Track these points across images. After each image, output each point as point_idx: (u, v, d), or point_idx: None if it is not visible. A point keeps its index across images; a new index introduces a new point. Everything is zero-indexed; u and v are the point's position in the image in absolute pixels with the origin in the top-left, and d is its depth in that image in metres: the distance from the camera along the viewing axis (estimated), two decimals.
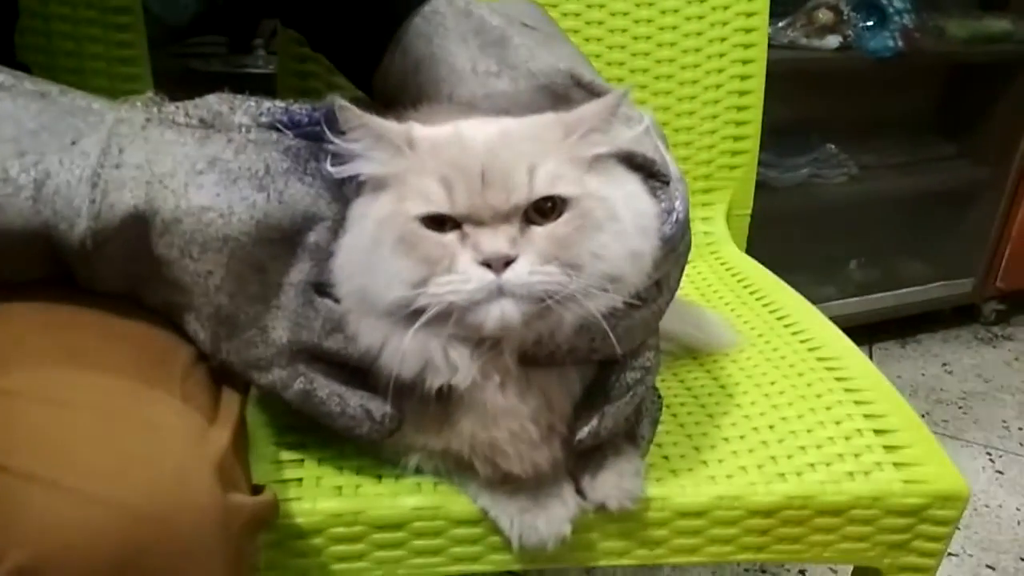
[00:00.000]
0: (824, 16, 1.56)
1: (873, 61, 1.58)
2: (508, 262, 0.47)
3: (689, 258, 0.58)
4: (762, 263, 0.96)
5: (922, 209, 1.90)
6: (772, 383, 0.72)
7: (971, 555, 1.29)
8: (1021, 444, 1.57)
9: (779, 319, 0.83)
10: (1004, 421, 1.63)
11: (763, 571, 1.24)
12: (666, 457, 0.63)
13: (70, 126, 0.50)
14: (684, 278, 0.58)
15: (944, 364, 1.83)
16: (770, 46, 1.02)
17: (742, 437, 0.66)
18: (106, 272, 0.51)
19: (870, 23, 1.59)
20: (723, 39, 0.98)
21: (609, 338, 0.51)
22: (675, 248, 0.54)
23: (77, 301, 0.52)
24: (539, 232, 0.48)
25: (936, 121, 1.91)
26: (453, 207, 0.48)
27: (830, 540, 0.63)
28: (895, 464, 0.64)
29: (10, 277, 0.51)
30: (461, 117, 0.54)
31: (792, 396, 0.70)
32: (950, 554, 1.27)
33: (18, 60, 0.73)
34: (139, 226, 0.49)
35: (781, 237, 1.59)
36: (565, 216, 0.49)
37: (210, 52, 1.24)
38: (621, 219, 0.50)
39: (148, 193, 0.49)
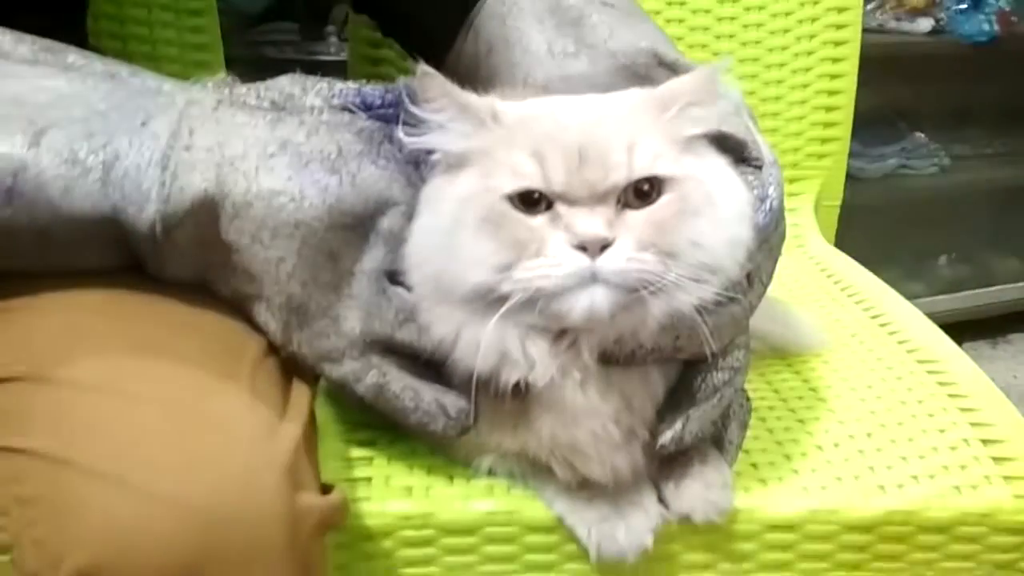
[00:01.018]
0: None
1: (967, 46, 1.53)
2: (604, 247, 0.44)
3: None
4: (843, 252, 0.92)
5: (1016, 202, 1.83)
6: (868, 387, 0.68)
7: None
8: None
9: (873, 318, 0.78)
10: None
11: None
12: (755, 465, 0.59)
13: (140, 107, 0.49)
14: None
15: None
16: None
17: (836, 445, 0.61)
18: (176, 259, 0.49)
19: (964, 6, 1.55)
20: (814, 19, 0.94)
21: (696, 336, 0.48)
22: (768, 239, 0.51)
23: (145, 290, 0.51)
24: (636, 216, 0.45)
25: None
26: (547, 183, 0.45)
27: (933, 559, 0.58)
28: (1005, 477, 0.59)
29: (78, 265, 0.50)
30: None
31: (891, 401, 0.66)
32: None
33: (91, 44, 0.73)
34: (209, 210, 0.48)
35: (867, 230, 1.54)
36: (664, 199, 0.46)
37: (282, 39, 1.25)
38: (719, 204, 0.47)
39: (219, 176, 0.48)
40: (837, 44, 0.94)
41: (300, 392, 0.52)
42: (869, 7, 1.48)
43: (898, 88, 1.61)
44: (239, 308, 0.52)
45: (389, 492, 0.55)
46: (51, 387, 0.46)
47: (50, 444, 0.44)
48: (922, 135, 1.67)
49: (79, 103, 0.48)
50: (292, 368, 0.53)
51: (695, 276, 0.46)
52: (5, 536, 0.47)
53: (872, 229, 1.60)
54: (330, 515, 0.48)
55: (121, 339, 0.48)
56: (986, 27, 1.52)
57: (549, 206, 0.45)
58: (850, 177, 1.51)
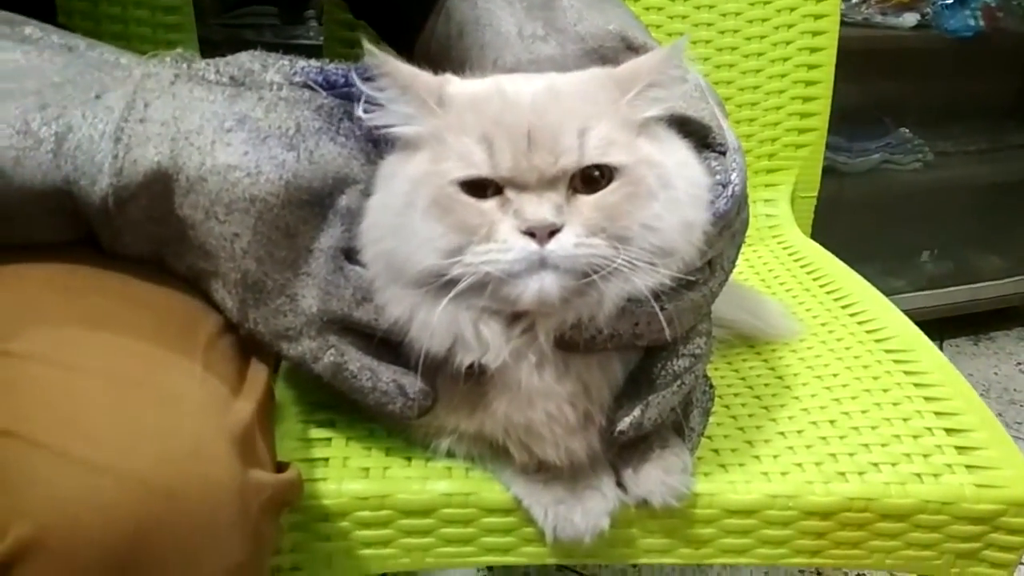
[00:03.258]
0: None
1: (952, 41, 1.52)
2: (552, 232, 0.44)
3: (749, 240, 0.54)
4: (829, 252, 0.91)
5: (1000, 199, 1.82)
6: (834, 375, 0.68)
7: None
8: None
9: (844, 307, 0.78)
10: None
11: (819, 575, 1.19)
12: (716, 451, 0.59)
13: (95, 80, 0.48)
14: (743, 261, 0.55)
15: (1019, 363, 1.75)
16: (843, 23, 0.97)
17: (800, 432, 0.61)
18: (129, 234, 0.49)
19: (949, 1, 1.53)
20: (792, 9, 0.93)
21: (656, 321, 0.47)
22: (730, 225, 0.50)
23: (98, 265, 0.50)
24: (586, 201, 0.45)
25: (1017, 106, 1.82)
26: (495, 170, 0.45)
27: (893, 546, 0.58)
28: (967, 467, 0.59)
29: (30, 238, 0.49)
30: None
31: (856, 390, 0.65)
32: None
33: (60, 22, 0.72)
34: (163, 184, 0.47)
35: (850, 225, 1.53)
36: (614, 184, 0.45)
37: (262, 23, 1.23)
38: (674, 187, 0.46)
39: (173, 150, 0.47)
40: (815, 35, 0.93)
41: (257, 370, 0.52)
42: (854, 1, 1.47)
43: (883, 83, 1.60)
44: (196, 285, 0.51)
45: (346, 473, 0.55)
46: None
47: None
48: (906, 131, 1.66)
49: (34, 75, 0.48)
50: (251, 347, 0.52)
51: (648, 260, 0.45)
52: None
53: (856, 223, 1.59)
54: (283, 492, 0.48)
55: (71, 312, 0.48)
56: (972, 22, 1.52)
57: (499, 191, 0.45)
58: (834, 171, 1.52)
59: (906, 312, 0.77)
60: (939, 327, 1.76)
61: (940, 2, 1.52)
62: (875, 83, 1.57)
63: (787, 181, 0.98)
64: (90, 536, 0.40)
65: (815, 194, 1.00)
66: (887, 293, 0.80)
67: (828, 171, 1.02)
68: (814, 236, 1.00)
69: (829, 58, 0.94)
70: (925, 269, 1.80)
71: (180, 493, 0.42)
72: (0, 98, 0.46)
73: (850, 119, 1.47)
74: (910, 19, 1.49)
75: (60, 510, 0.40)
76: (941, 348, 1.75)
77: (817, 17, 0.93)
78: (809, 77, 0.95)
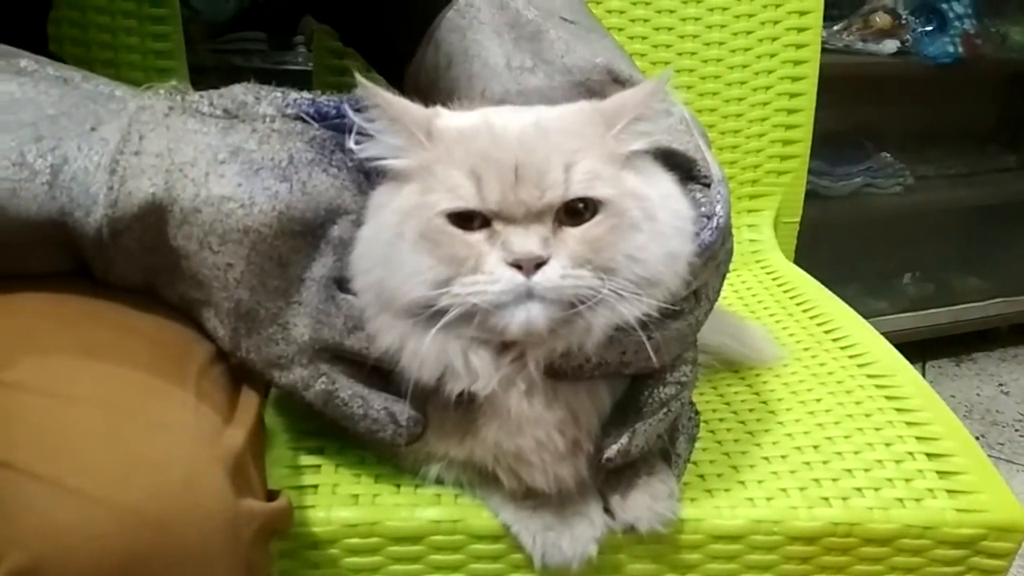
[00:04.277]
0: (881, 20, 1.53)
1: (932, 67, 1.55)
2: (539, 264, 0.45)
3: (733, 265, 0.55)
4: (812, 274, 0.93)
5: (980, 222, 1.86)
6: (818, 400, 0.69)
7: None
8: None
9: (827, 332, 0.79)
10: None
11: None
12: (702, 476, 0.60)
13: (91, 112, 0.49)
14: (727, 287, 0.55)
15: (1000, 384, 1.77)
16: (824, 50, 0.99)
17: (784, 457, 0.62)
18: (123, 264, 0.49)
19: (929, 28, 1.57)
20: (774, 39, 0.95)
21: (643, 350, 0.48)
22: (715, 256, 0.51)
23: (92, 295, 0.50)
24: (572, 233, 0.46)
25: (997, 131, 1.87)
26: (483, 203, 0.45)
27: (877, 571, 0.59)
28: (948, 491, 0.60)
29: (24, 268, 0.50)
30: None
31: (839, 415, 0.66)
32: None
33: (50, 51, 0.72)
34: (157, 215, 0.48)
35: (832, 248, 1.56)
36: (599, 216, 0.46)
37: (251, 48, 1.25)
38: (658, 219, 0.47)
39: (167, 181, 0.48)
40: (796, 64, 0.95)
41: (248, 398, 0.52)
42: (835, 28, 1.50)
43: (865, 108, 1.64)
44: (188, 314, 0.52)
45: (336, 500, 0.55)
46: None
47: None
48: (887, 155, 1.68)
49: (29, 107, 0.48)
50: (242, 375, 0.53)
51: (634, 290, 0.46)
52: None
53: (838, 247, 1.61)
54: (274, 520, 0.48)
55: (64, 341, 0.48)
56: (951, 49, 1.55)
57: (486, 223, 0.46)
58: (816, 196, 1.54)
59: (888, 334, 0.78)
60: (921, 349, 1.78)
61: (919, 29, 1.54)
62: (856, 109, 1.60)
63: (770, 207, 0.99)
64: (83, 566, 0.40)
65: (798, 219, 1.02)
66: (870, 315, 0.82)
67: (811, 195, 1.04)
68: (797, 259, 1.01)
69: (811, 86, 0.96)
70: (907, 291, 1.83)
71: (173, 523, 0.42)
72: None
73: (832, 144, 1.49)
74: (890, 46, 1.52)
75: (54, 540, 0.40)
76: (924, 370, 1.78)
77: (799, 47, 0.95)
78: (791, 105, 0.97)
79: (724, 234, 0.52)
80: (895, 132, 1.70)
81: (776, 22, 0.94)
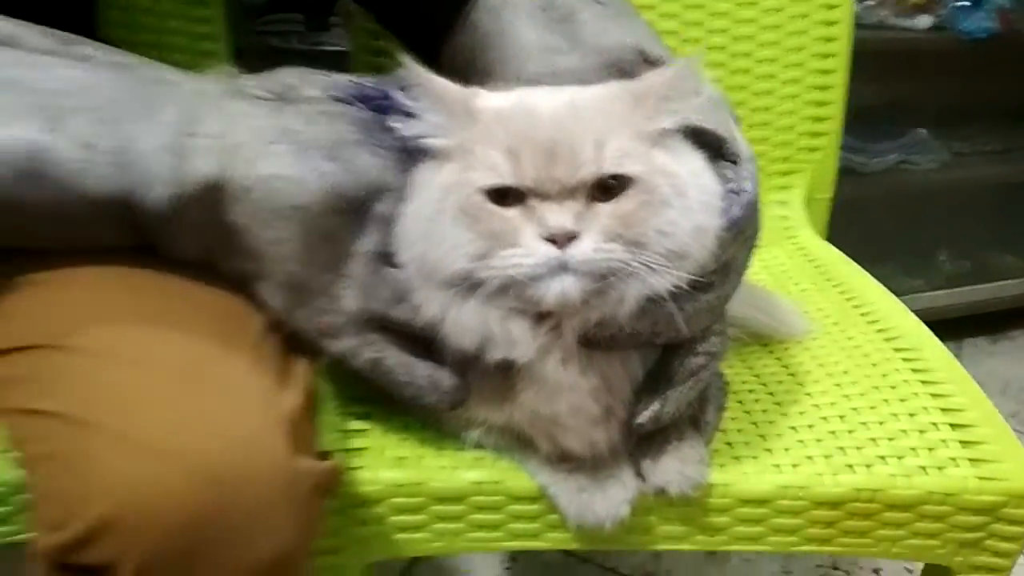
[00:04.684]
0: None
1: (967, 42, 1.53)
2: (572, 238, 0.47)
3: (763, 241, 0.57)
4: (847, 251, 0.94)
5: (1016, 200, 1.83)
6: (844, 372, 0.70)
7: None
8: None
9: (855, 307, 0.81)
10: None
11: (835, 567, 1.22)
12: (730, 444, 0.62)
13: (150, 96, 0.52)
14: (758, 262, 0.58)
15: None
16: (858, 25, 1.00)
17: (810, 426, 0.64)
18: (183, 239, 0.53)
19: (965, 2, 1.54)
20: (804, 16, 0.95)
21: (673, 321, 0.51)
22: (743, 231, 0.53)
23: (156, 268, 0.54)
24: (604, 209, 0.48)
25: None
26: (519, 179, 0.48)
27: (899, 536, 0.61)
28: (971, 460, 0.61)
29: (93, 243, 0.53)
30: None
31: (865, 386, 0.68)
32: None
33: (99, 35, 0.76)
34: (214, 193, 0.51)
35: (868, 225, 1.55)
36: (630, 192, 0.48)
37: (288, 30, 1.26)
38: (687, 195, 0.50)
39: (222, 161, 0.51)
40: (828, 40, 0.96)
41: (301, 366, 0.55)
42: (870, 3, 1.49)
43: (899, 84, 1.62)
44: (243, 286, 0.55)
45: (383, 461, 0.59)
46: (69, 354, 0.50)
47: (68, 406, 0.48)
48: (923, 131, 1.67)
49: (95, 92, 0.51)
50: (294, 344, 0.56)
51: (663, 263, 0.48)
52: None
53: (874, 223, 1.61)
54: (327, 479, 0.52)
55: (133, 311, 0.52)
56: (987, 24, 1.53)
57: (522, 199, 0.48)
58: (851, 172, 1.54)
59: (924, 311, 0.79)
60: (957, 326, 1.77)
61: (954, 4, 1.53)
62: (891, 84, 1.58)
63: (801, 183, 1.00)
64: (158, 517, 0.44)
65: (830, 195, 1.02)
66: (905, 292, 0.83)
67: (845, 171, 1.04)
68: (832, 236, 1.03)
69: (842, 63, 0.97)
70: (943, 268, 1.81)
71: (237, 479, 0.46)
72: (66, 114, 0.50)
73: (867, 120, 1.49)
74: (925, 21, 1.51)
75: (127, 496, 0.44)
76: (960, 347, 1.78)
77: (830, 23, 0.96)
78: (822, 82, 0.97)
79: (752, 209, 0.54)
80: (931, 108, 1.68)
81: None
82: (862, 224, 1.46)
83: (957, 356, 0.71)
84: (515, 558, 1.18)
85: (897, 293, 0.83)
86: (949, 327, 1.48)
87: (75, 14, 0.73)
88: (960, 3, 1.53)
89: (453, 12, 0.70)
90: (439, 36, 0.71)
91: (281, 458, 0.48)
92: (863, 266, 0.90)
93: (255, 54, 1.12)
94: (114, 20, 0.88)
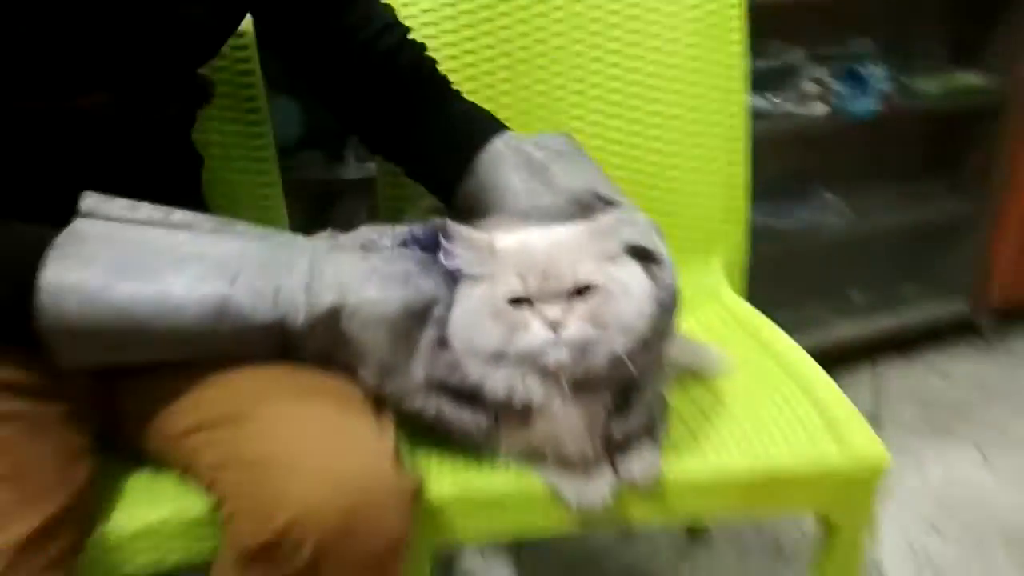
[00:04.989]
0: (811, 88, 1.82)
1: (857, 123, 1.82)
2: (561, 324, 0.76)
3: (693, 303, 0.84)
4: (773, 297, 1.15)
5: (911, 239, 2.09)
6: (752, 393, 0.98)
7: (957, 538, 1.52)
8: (1007, 437, 1.77)
9: (763, 348, 1.08)
10: (997, 422, 1.82)
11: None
12: (675, 446, 0.90)
13: (288, 255, 0.81)
14: (689, 318, 0.83)
15: (943, 375, 1.97)
16: (765, 114, 1.15)
17: (729, 430, 0.92)
18: (312, 347, 0.80)
19: (852, 90, 1.82)
20: (710, 120, 1.21)
21: (629, 370, 0.79)
22: (669, 308, 0.82)
23: (293, 367, 0.82)
24: (580, 306, 0.76)
25: (923, 164, 2.10)
26: (527, 291, 0.76)
27: (793, 496, 0.90)
28: (834, 439, 0.89)
29: (253, 357, 0.81)
30: (519, 224, 0.82)
31: (767, 401, 0.96)
32: (942, 535, 1.51)
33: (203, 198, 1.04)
34: (334, 314, 0.78)
35: (789, 273, 1.81)
36: (596, 294, 0.76)
37: (310, 164, 1.46)
38: (631, 292, 0.78)
39: (337, 294, 0.79)
40: (731, 139, 1.23)
41: (387, 417, 0.83)
42: (774, 98, 1.77)
43: (806, 157, 1.84)
44: (349, 371, 0.83)
45: (442, 477, 0.86)
46: (249, 421, 0.77)
47: (254, 454, 0.75)
48: (830, 194, 1.93)
49: (252, 256, 0.80)
50: (380, 404, 0.84)
51: (619, 336, 0.76)
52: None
53: (793, 272, 1.84)
54: (419, 491, 0.79)
55: (285, 391, 0.79)
56: (871, 107, 1.78)
57: (529, 303, 0.76)
58: (769, 231, 1.76)
59: (843, 340, 0.98)
60: (870, 350, 1.95)
61: (844, 91, 1.80)
62: (799, 158, 1.84)
63: (720, 252, 1.25)
64: (322, 516, 0.70)
65: (743, 260, 1.25)
66: (824, 325, 1.00)
67: (766, 233, 1.23)
68: (759, 285, 1.25)
69: (745, 157, 1.23)
70: (856, 301, 2.05)
71: (366, 490, 0.72)
72: (238, 272, 0.78)
73: (780, 189, 1.75)
74: (820, 109, 1.78)
75: (303, 503, 0.70)
76: (875, 367, 2.01)
77: (731, 120, 1.22)
78: (730, 170, 1.22)
79: (672, 293, 0.82)
80: (833, 174, 1.93)
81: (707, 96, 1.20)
82: (783, 273, 1.69)
83: (873, 376, 0.98)
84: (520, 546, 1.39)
85: (818, 326, 1.03)
86: (864, 351, 1.75)
87: (186, 181, 1.02)
88: (849, 90, 1.81)
89: (462, 168, 0.97)
90: (452, 184, 0.99)
91: (391, 476, 0.75)
92: (787, 307, 1.09)
93: (286, 186, 1.36)
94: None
